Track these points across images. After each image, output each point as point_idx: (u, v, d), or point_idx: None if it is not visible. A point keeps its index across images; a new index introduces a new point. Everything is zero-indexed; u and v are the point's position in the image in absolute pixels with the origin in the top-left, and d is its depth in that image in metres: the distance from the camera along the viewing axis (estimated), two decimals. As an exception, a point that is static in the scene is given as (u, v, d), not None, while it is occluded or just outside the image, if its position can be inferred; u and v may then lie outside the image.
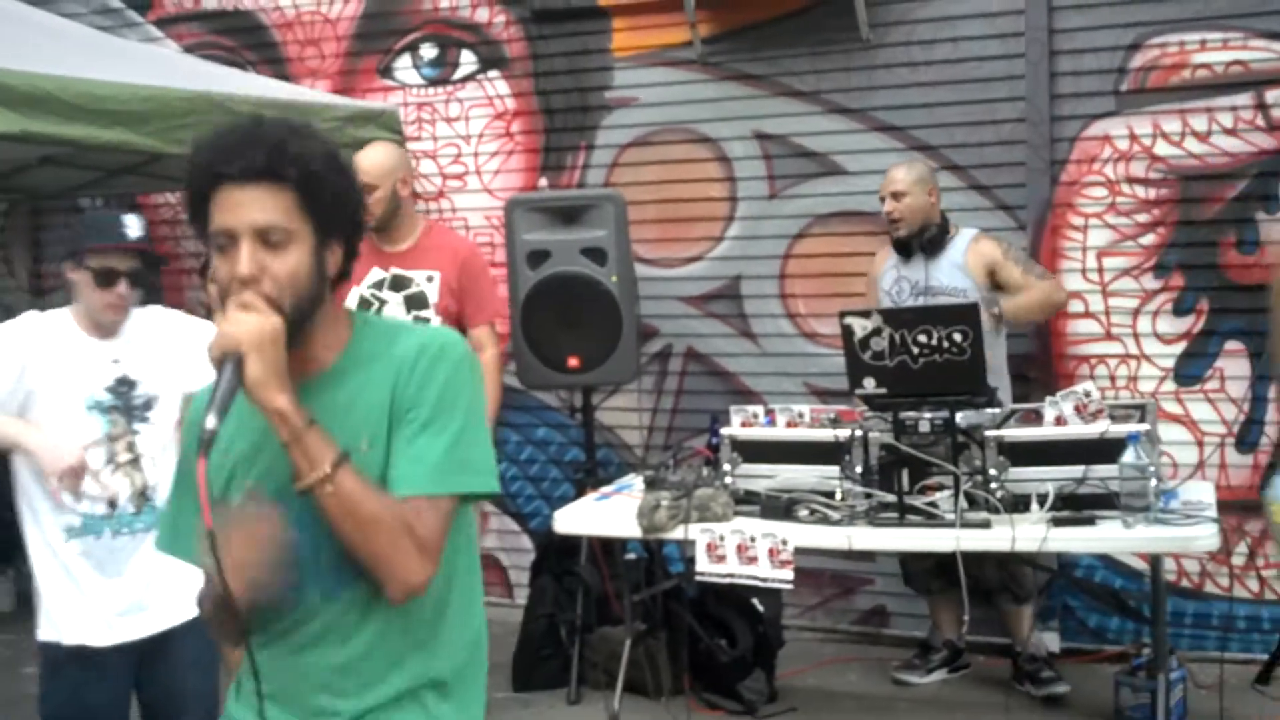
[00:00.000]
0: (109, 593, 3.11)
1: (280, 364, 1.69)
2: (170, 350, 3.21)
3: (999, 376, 4.71)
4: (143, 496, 3.14)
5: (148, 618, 3.14)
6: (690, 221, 5.85)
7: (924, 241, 4.80)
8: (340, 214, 1.82)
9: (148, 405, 3.16)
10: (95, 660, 3.11)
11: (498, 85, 6.21)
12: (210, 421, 1.65)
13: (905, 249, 4.86)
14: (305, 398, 1.75)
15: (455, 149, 6.23)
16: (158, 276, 3.26)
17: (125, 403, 3.14)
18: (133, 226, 3.12)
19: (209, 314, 4.69)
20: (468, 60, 6.26)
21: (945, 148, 5.30)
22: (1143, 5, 5.04)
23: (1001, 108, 5.28)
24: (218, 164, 1.74)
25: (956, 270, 4.78)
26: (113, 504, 3.10)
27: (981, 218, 5.15)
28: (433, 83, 6.33)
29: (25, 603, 6.33)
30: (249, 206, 1.72)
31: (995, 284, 4.77)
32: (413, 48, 6.36)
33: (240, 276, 1.71)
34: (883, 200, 4.85)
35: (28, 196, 6.99)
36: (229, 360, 1.67)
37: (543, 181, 6.01)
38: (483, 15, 6.20)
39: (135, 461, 3.14)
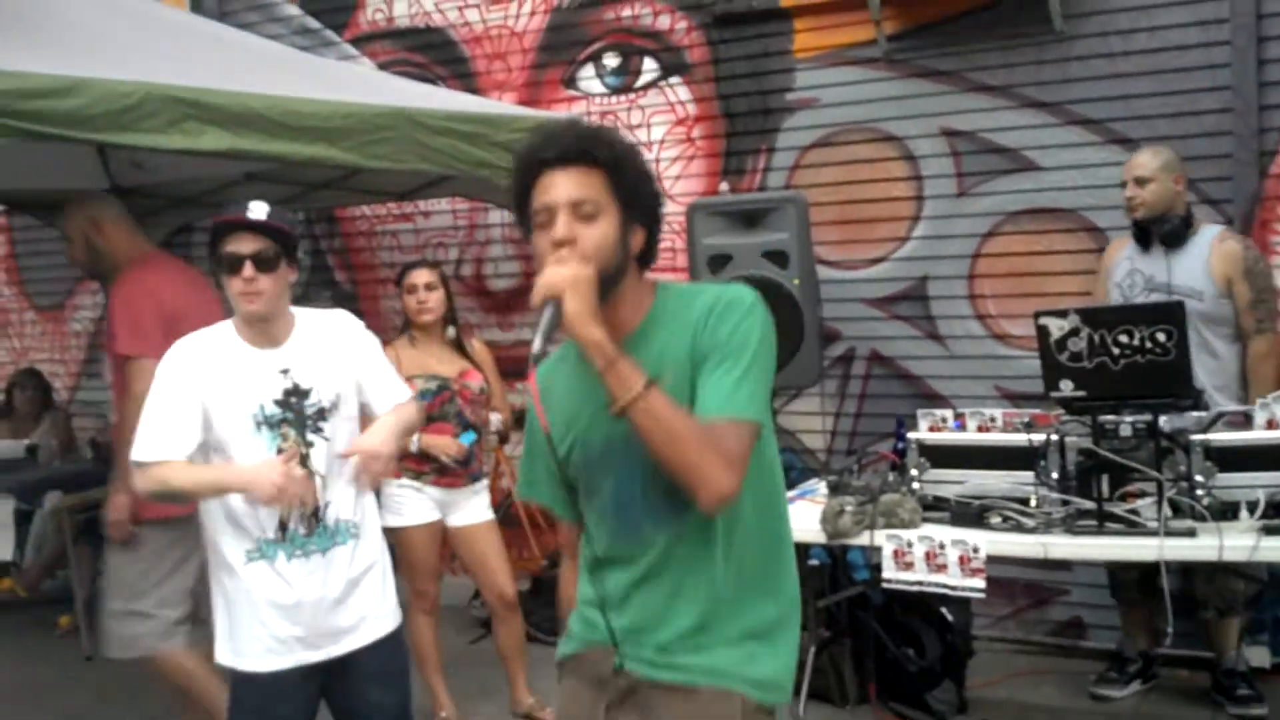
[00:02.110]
0: (286, 617, 2.98)
1: (594, 303, 1.93)
2: (339, 353, 3.08)
3: (1233, 384, 4.50)
4: (314, 518, 2.98)
5: (328, 641, 3.03)
6: (874, 222, 5.77)
7: (1165, 233, 4.57)
8: (642, 199, 2.09)
9: (321, 415, 3.00)
10: (276, 681, 3.00)
11: (679, 91, 6.25)
12: (537, 345, 1.93)
13: (1144, 239, 4.64)
14: None
15: (637, 155, 6.28)
16: (293, 260, 3.04)
17: (297, 414, 2.97)
18: (256, 209, 2.94)
19: (406, 324, 4.84)
20: (649, 68, 6.32)
21: (1145, 140, 5.08)
22: (1362, -16, 4.77)
23: (1204, 98, 5.05)
24: (539, 151, 2.03)
25: (1199, 270, 4.52)
26: (283, 526, 2.95)
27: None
28: (615, 91, 6.42)
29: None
30: (565, 184, 2.01)
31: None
32: (596, 58, 6.46)
33: (556, 239, 1.98)
34: (1124, 185, 4.66)
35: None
36: (550, 303, 1.92)
37: (724, 185, 6.03)
38: (664, 23, 6.25)
39: (308, 479, 2.95)
